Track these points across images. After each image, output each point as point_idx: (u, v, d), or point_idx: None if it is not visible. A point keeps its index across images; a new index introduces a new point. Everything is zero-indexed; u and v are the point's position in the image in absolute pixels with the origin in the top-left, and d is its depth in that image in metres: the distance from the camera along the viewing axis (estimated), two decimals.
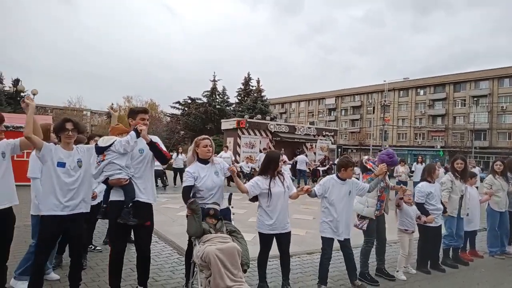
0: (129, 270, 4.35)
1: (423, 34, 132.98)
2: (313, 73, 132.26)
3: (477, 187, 6.76)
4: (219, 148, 19.13)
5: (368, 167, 4.79)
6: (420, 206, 5.14)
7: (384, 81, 46.09)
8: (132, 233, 3.77)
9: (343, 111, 71.10)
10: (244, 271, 3.41)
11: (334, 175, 4.44)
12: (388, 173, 4.80)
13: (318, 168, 16.76)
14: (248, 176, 14.05)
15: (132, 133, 3.49)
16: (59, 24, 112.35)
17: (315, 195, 4.30)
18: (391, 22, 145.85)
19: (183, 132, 30.82)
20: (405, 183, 12.66)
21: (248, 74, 39.45)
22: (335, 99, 71.93)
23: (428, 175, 5.31)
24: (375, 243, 4.85)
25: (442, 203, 5.31)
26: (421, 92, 59.31)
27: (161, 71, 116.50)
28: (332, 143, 22.35)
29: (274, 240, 4.07)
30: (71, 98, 71.32)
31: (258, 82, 34.77)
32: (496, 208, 6.19)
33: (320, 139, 21.84)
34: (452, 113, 55.18)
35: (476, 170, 13.03)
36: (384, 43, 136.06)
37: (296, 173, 16.21)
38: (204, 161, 3.86)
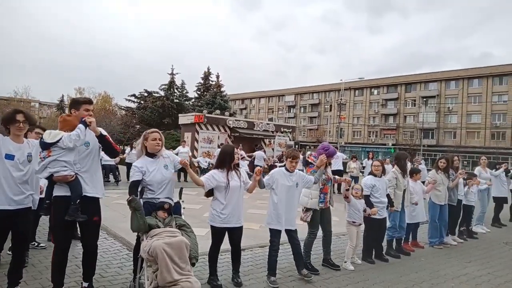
0: (74, 267, 4.19)
1: (378, 35, 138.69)
2: (273, 70, 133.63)
3: (423, 182, 7.20)
4: (176, 143, 18.85)
5: (310, 160, 4.99)
6: (365, 198, 5.40)
7: (341, 80, 47.65)
8: (78, 229, 3.64)
9: (302, 109, 72.50)
10: (193, 265, 3.41)
11: (283, 167, 4.55)
12: (329, 165, 5.03)
13: (275, 164, 16.98)
14: (206, 172, 13.97)
15: (81, 126, 3.32)
16: (7, 12, 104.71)
17: (264, 186, 4.38)
18: (348, 23, 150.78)
19: (138, 126, 29.92)
20: (356, 178, 13.21)
21: (208, 69, 39.11)
22: (295, 97, 73.18)
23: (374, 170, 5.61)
24: (321, 235, 5.04)
25: (388, 197, 5.61)
26: (375, 92, 61.88)
27: (117, 62, 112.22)
28: (290, 140, 22.75)
29: (226, 234, 4.12)
30: (17, 88, 66.94)
31: (217, 77, 34.54)
32: (436, 201, 6.64)
33: (279, 135, 22.15)
34: (403, 112, 58.11)
35: (422, 166, 13.83)
36: (341, 42, 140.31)
37: (254, 169, 16.37)
38: (153, 155, 3.80)
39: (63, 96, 63.59)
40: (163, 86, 32.64)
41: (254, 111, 78.47)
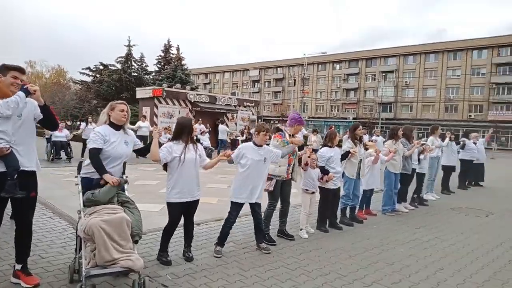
0: (11, 248, 3.88)
1: (340, 9, 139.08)
2: (237, 43, 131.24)
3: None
4: (135, 118, 18.13)
5: (281, 127, 4.95)
6: (321, 168, 5.40)
7: (304, 54, 47.56)
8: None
9: (266, 83, 72.26)
10: (136, 242, 3.23)
11: (251, 142, 4.46)
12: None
13: (238, 138, 16.87)
14: None
15: (21, 93, 2.97)
16: None
17: (231, 161, 4.27)
18: None
19: (95, 101, 28.49)
20: (317, 151, 13.36)
21: (168, 41, 37.62)
22: (259, 71, 72.63)
23: (329, 141, 5.61)
24: (279, 207, 5.01)
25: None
26: (337, 66, 62.66)
27: (71, 33, 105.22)
28: (253, 114, 22.60)
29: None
30: None
31: (178, 49, 33.22)
32: (392, 170, 6.80)
33: (242, 110, 21.91)
34: (364, 87, 59.48)
35: (379, 138, 14.25)
36: (304, 16, 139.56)
37: (218, 144, 16.21)
38: (117, 127, 3.55)
39: None
40: (120, 59, 31.00)
41: (218, 86, 77.27)
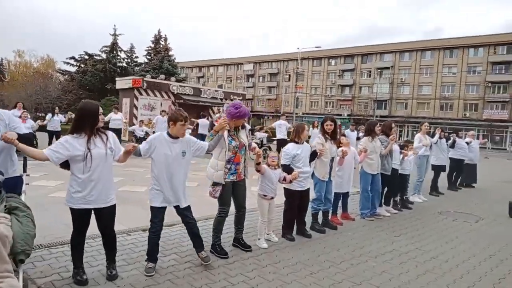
0: None
1: (337, 4, 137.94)
2: (233, 37, 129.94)
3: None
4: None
5: (215, 123, 4.15)
6: (285, 167, 4.68)
7: (298, 48, 46.67)
8: None
9: (260, 78, 71.35)
10: (21, 261, 2.50)
11: (164, 132, 3.64)
12: (241, 128, 4.18)
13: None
14: (142, 141, 12.81)
15: None
16: None
17: (139, 154, 3.47)
18: None
19: (81, 92, 27.48)
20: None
21: (159, 32, 36.58)
22: (254, 65, 71.68)
23: (296, 136, 4.86)
24: (234, 212, 4.29)
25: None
26: (333, 62, 61.82)
27: (62, 23, 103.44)
28: None
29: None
30: None
31: (165, 39, 32.18)
32: (369, 170, 6.10)
33: (228, 103, 21.12)
34: (359, 83, 58.76)
35: (354, 133, 13.56)
36: (301, 10, 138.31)
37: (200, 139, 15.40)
38: None
39: (2, 59, 57.83)
40: (105, 48, 29.94)
41: (212, 79, 76.18)
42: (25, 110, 10.99)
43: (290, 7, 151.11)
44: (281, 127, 12.81)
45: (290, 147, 4.80)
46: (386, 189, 6.54)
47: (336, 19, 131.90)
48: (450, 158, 9.70)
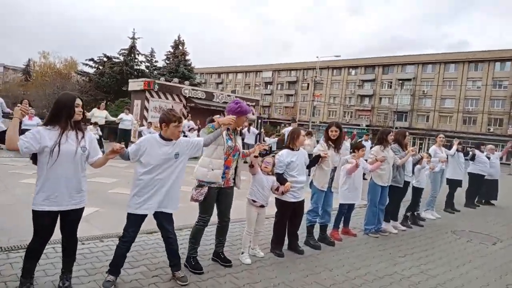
0: None
1: (359, 17, 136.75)
2: (254, 46, 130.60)
3: (366, 160, 6.13)
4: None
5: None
6: (279, 176, 4.24)
7: (317, 57, 46.09)
8: None
9: (279, 86, 71.07)
10: None
11: (156, 134, 3.32)
12: (243, 128, 3.83)
13: None
14: None
15: None
16: None
17: (128, 157, 3.15)
18: (330, 2, 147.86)
19: (97, 92, 27.75)
20: (310, 156, 12.17)
21: (179, 37, 36.80)
22: (272, 73, 71.52)
23: (291, 141, 4.42)
24: (216, 222, 3.87)
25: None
26: (353, 72, 60.94)
27: (87, 28, 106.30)
28: (253, 114, 21.44)
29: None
30: None
31: (183, 44, 32.25)
32: (379, 182, 5.57)
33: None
34: (379, 94, 57.58)
35: (368, 143, 12.95)
36: (323, 22, 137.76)
37: None
38: None
39: (29, 60, 59.64)
40: (123, 51, 30.25)
41: (230, 86, 76.35)
42: (32, 107, 10.92)
43: (313, 18, 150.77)
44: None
45: (284, 154, 4.36)
46: (392, 202, 5.98)
47: (356, 32, 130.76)
48: (469, 173, 9.02)
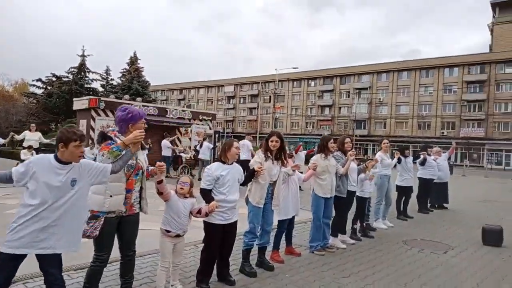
0: None
1: (317, 30, 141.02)
2: (216, 63, 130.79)
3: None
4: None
5: (111, 135, 3.11)
6: (205, 193, 3.70)
7: (276, 70, 46.62)
8: None
9: (241, 99, 71.09)
10: None
11: (50, 155, 2.67)
12: (149, 145, 3.26)
13: (181, 154, 15.03)
14: None
15: None
16: None
17: (9, 178, 2.48)
18: (290, 17, 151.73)
19: (45, 114, 26.09)
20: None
21: (135, 53, 35.82)
22: (234, 87, 71.56)
23: (222, 154, 3.90)
24: (120, 259, 3.25)
25: None
26: (312, 83, 62.15)
27: (51, 49, 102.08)
28: (210, 128, 20.87)
29: None
30: None
31: (135, 60, 31.25)
32: (321, 193, 5.15)
33: (197, 124, 20.16)
34: (338, 103, 58.91)
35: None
36: (283, 36, 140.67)
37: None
38: None
39: None
40: (72, 69, 28.81)
41: (192, 101, 75.51)
42: None
43: (271, 31, 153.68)
44: (243, 148, 11.88)
45: (213, 167, 3.82)
46: (338, 214, 5.60)
47: (315, 45, 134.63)
48: (419, 178, 8.91)
